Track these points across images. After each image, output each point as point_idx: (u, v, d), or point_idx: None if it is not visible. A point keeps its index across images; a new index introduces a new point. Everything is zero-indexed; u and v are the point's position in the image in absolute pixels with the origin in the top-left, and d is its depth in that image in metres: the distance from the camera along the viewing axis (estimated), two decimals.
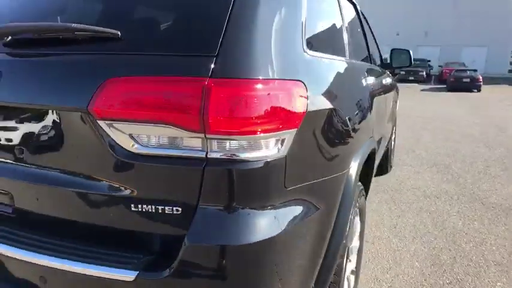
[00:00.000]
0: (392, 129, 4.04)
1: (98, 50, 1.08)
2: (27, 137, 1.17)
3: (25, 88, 1.12)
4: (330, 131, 1.27)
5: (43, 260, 1.06)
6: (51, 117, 1.12)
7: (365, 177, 1.96)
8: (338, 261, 1.44)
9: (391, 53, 3.45)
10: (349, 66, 1.70)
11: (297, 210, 1.12)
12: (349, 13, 2.00)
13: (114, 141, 1.01)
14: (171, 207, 1.01)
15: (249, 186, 1.02)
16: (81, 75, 1.04)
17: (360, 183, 1.75)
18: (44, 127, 1.13)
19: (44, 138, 1.14)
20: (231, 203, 1.01)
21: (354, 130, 1.45)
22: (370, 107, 1.83)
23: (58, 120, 1.10)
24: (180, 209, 1.01)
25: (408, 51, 3.43)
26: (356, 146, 1.49)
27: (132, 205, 1.03)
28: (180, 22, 1.12)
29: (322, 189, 1.25)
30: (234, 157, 0.99)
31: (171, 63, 1.00)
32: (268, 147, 1.03)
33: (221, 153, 0.98)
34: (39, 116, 1.14)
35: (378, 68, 2.72)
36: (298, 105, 1.08)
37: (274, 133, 1.02)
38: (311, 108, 1.14)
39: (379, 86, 2.35)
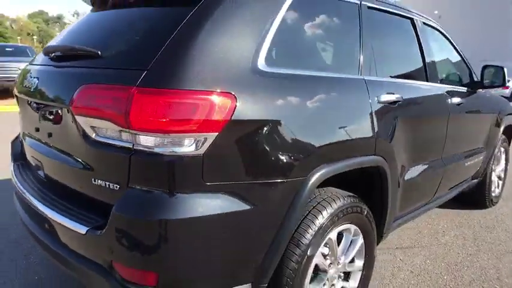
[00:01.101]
0: (491, 156, 3.52)
1: (82, 64, 1.49)
2: (46, 124, 1.66)
3: (49, 88, 1.60)
4: (268, 140, 1.37)
5: (48, 212, 1.51)
6: (57, 112, 1.56)
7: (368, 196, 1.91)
8: (290, 265, 1.51)
9: (482, 70, 3.07)
10: (337, 81, 1.72)
11: (214, 203, 1.29)
12: (360, 29, 1.96)
13: (84, 131, 1.38)
14: (113, 184, 1.32)
15: (164, 174, 1.24)
16: (70, 82, 1.46)
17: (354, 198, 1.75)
18: (54, 119, 1.60)
19: (54, 127, 1.60)
20: (151, 186, 1.26)
21: (307, 143, 1.50)
22: (373, 125, 1.79)
23: (61, 114, 1.53)
24: (118, 186, 1.31)
25: (502, 68, 3.00)
26: (315, 159, 1.52)
27: (92, 178, 1.38)
28: (131, 46, 1.44)
29: (256, 191, 1.37)
30: (153, 150, 1.24)
31: (117, 75, 1.32)
32: (184, 145, 1.24)
33: (143, 146, 1.24)
34: (52, 111, 1.61)
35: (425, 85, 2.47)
36: (221, 113, 1.26)
37: (190, 134, 1.23)
38: (240, 117, 1.29)
39: (411, 107, 2.17)
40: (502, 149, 3.90)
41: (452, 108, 2.60)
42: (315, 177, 1.51)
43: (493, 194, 3.86)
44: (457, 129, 2.73)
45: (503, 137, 3.81)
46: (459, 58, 3.11)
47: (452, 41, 3.04)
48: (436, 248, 2.96)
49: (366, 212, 1.86)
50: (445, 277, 2.54)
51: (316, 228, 1.57)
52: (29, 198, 1.64)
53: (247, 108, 1.33)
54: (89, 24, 1.84)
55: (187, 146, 1.24)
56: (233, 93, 1.29)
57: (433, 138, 2.47)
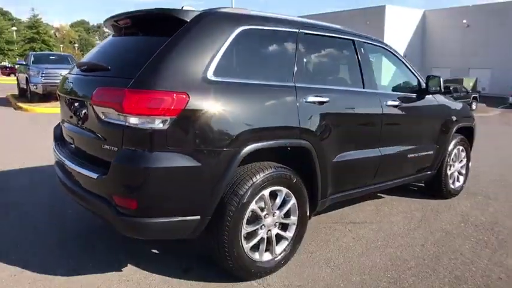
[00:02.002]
0: (445, 153, 4.11)
1: (98, 74, 2.36)
2: (77, 113, 2.51)
3: (79, 89, 2.48)
4: (210, 123, 2.14)
5: (74, 167, 2.38)
6: (85, 104, 2.42)
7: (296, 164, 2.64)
8: (230, 207, 2.27)
9: (427, 79, 3.73)
10: (267, 88, 2.48)
11: (173, 159, 2.07)
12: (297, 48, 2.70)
13: (98, 115, 2.22)
14: (114, 147, 2.14)
15: (144, 140, 2.05)
16: (91, 85, 2.31)
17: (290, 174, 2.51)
18: (83, 109, 2.46)
19: (82, 113, 2.46)
20: (135, 147, 2.07)
21: (239, 127, 2.24)
22: (298, 118, 2.53)
23: (86, 106, 2.39)
24: (116, 148, 2.13)
25: (439, 78, 3.65)
26: (246, 138, 2.26)
27: (102, 144, 2.22)
28: (127, 63, 2.30)
29: (203, 154, 2.15)
30: (137, 126, 2.05)
31: (117, 81, 2.16)
32: (155, 123, 2.04)
33: (131, 123, 2.05)
34: (80, 104, 2.47)
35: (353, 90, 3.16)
36: (177, 105, 2.06)
37: (158, 116, 2.03)
38: (190, 108, 2.08)
39: (339, 106, 2.89)
40: (461, 148, 4.47)
41: (388, 109, 3.28)
42: (245, 149, 2.27)
43: (452, 187, 4.43)
44: (395, 126, 3.41)
45: (461, 137, 4.40)
46: (407, 70, 3.78)
47: (400, 57, 3.74)
48: (383, 224, 3.61)
49: (295, 180, 2.59)
50: (379, 242, 3.20)
51: (250, 185, 2.32)
52: (64, 161, 2.51)
53: (197, 103, 2.12)
54: (106, 47, 2.73)
55: (157, 124, 2.05)
56: (187, 92, 2.09)
57: (365, 131, 3.16)
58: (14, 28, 59.65)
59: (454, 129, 4.19)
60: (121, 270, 2.60)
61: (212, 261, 2.54)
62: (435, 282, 2.57)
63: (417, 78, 3.82)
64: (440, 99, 4.05)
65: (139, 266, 2.66)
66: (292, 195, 2.63)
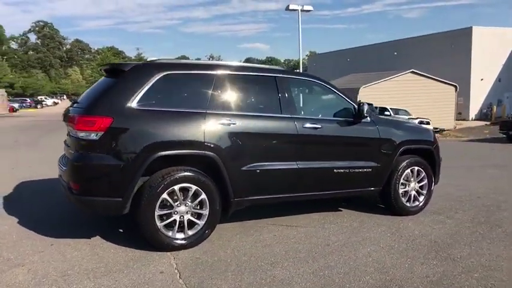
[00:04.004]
0: (390, 173, 4.58)
1: (75, 106, 3.70)
2: (68, 132, 3.88)
3: (66, 117, 3.85)
4: (128, 136, 3.27)
5: (61, 167, 3.71)
6: (68, 126, 3.77)
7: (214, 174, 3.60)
8: (146, 196, 3.33)
9: (358, 105, 4.37)
10: (182, 114, 3.50)
11: (102, 159, 3.23)
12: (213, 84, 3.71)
13: (69, 132, 3.54)
14: (75, 152, 3.42)
15: (84, 146, 3.28)
16: (70, 113, 3.64)
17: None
18: (69, 131, 3.81)
19: (68, 132, 3.80)
20: (80, 151, 3.31)
21: (151, 139, 3.32)
22: (204, 135, 3.51)
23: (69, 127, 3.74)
24: (75, 152, 3.40)
25: (362, 105, 4.27)
26: (154, 148, 3.32)
27: (70, 150, 3.52)
28: (87, 99, 3.57)
29: (125, 155, 3.26)
30: (82, 137, 3.28)
31: (79, 110, 3.47)
32: (91, 136, 3.25)
33: (79, 136, 3.29)
34: (68, 126, 3.84)
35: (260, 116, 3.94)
36: (104, 125, 3.23)
37: (93, 131, 3.23)
38: (115, 126, 3.24)
39: (247, 127, 3.74)
40: (416, 168, 4.83)
41: (305, 130, 4.02)
42: (155, 155, 3.33)
43: (408, 205, 4.79)
44: (314, 145, 4.13)
45: (416, 158, 4.78)
46: (342, 100, 4.45)
47: (334, 89, 4.48)
48: (309, 228, 4.24)
49: (204, 180, 3.54)
50: (292, 240, 3.91)
51: (160, 180, 3.37)
52: (60, 164, 3.86)
53: (119, 123, 3.28)
54: (92, 87, 4.04)
55: (92, 136, 3.25)
56: (112, 116, 3.26)
57: (278, 147, 3.94)
58: None
59: (400, 151, 4.63)
60: (90, 238, 3.82)
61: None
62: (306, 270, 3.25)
63: (352, 105, 4.45)
64: (382, 124, 4.57)
65: (107, 238, 3.82)
66: (202, 191, 3.57)
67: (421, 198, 4.91)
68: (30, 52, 71.46)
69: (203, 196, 3.58)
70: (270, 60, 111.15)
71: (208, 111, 3.63)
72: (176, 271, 3.15)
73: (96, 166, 3.28)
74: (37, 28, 75.26)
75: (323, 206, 4.94)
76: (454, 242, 3.92)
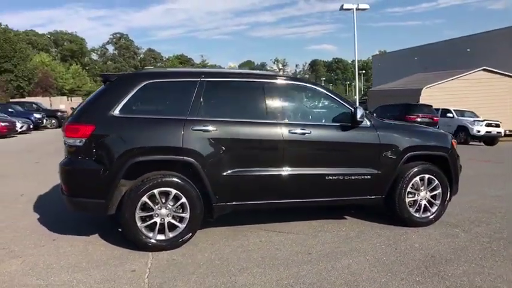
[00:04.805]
0: (394, 181, 4.32)
1: (71, 115, 4.00)
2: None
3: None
4: (109, 142, 3.50)
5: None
6: None
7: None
8: (129, 199, 3.54)
9: (354, 111, 4.18)
10: (163, 120, 3.66)
11: (85, 163, 3.51)
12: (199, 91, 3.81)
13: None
14: (66, 157, 3.74)
15: (71, 152, 3.58)
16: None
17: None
18: None
19: None
20: (68, 156, 3.63)
21: (130, 145, 3.51)
22: (182, 140, 3.62)
23: None
24: (66, 157, 3.73)
25: (356, 109, 4.07)
26: (133, 153, 3.50)
27: (67, 155, 3.87)
28: (79, 107, 3.87)
29: (105, 160, 3.51)
30: (70, 143, 3.59)
31: (70, 120, 3.78)
32: (77, 142, 3.54)
33: (68, 142, 3.60)
34: None
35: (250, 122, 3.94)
36: (87, 132, 3.50)
37: (78, 138, 3.53)
38: (96, 133, 3.51)
39: (228, 133, 3.79)
40: (427, 176, 4.46)
41: (292, 136, 3.94)
42: (133, 160, 3.52)
43: (417, 215, 4.46)
44: (303, 150, 4.03)
45: (426, 165, 4.43)
46: (338, 104, 4.28)
47: (329, 93, 4.35)
48: (300, 235, 4.15)
49: (183, 184, 3.66)
50: (275, 246, 3.86)
51: (141, 185, 3.56)
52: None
53: (101, 130, 3.54)
54: (88, 97, 4.40)
55: (77, 143, 3.54)
56: (94, 124, 3.53)
57: (261, 153, 3.91)
58: None
59: (405, 157, 4.32)
60: (89, 236, 4.15)
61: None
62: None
63: (349, 110, 4.25)
64: (384, 129, 4.31)
65: (103, 237, 4.12)
66: (183, 195, 3.69)
67: (434, 208, 4.52)
68: (109, 62, 78.28)
69: (183, 200, 3.70)
70: (337, 62, 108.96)
71: (188, 118, 3.74)
72: (147, 270, 3.30)
73: (80, 170, 3.58)
74: (114, 40, 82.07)
75: (328, 213, 4.80)
76: (455, 258, 3.57)
